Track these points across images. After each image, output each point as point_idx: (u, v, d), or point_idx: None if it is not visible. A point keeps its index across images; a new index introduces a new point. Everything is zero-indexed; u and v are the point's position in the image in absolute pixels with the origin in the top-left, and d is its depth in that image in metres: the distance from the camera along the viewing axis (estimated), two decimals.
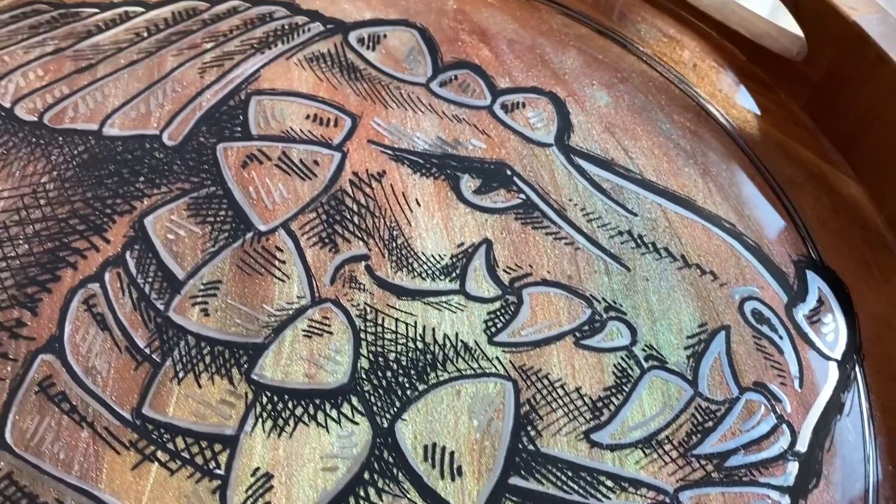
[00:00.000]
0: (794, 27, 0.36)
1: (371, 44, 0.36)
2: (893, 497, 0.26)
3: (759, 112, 0.36)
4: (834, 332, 0.29)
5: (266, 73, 0.35)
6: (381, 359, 0.27)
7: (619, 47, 0.38)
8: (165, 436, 0.25)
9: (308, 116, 0.33)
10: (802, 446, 0.27)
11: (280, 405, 0.26)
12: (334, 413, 0.26)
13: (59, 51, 0.35)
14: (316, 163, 0.32)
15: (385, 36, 0.37)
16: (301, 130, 0.33)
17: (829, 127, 0.35)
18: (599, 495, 0.25)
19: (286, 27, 0.36)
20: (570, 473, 0.25)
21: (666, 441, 0.26)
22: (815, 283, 0.31)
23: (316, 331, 0.27)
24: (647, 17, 0.40)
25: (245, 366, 0.27)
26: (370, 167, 0.32)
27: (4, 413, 0.25)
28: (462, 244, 0.30)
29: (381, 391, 0.26)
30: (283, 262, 0.29)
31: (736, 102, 0.36)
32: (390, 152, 0.32)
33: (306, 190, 0.31)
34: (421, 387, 0.27)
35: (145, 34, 0.36)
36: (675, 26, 0.39)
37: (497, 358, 0.27)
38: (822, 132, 0.35)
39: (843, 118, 0.34)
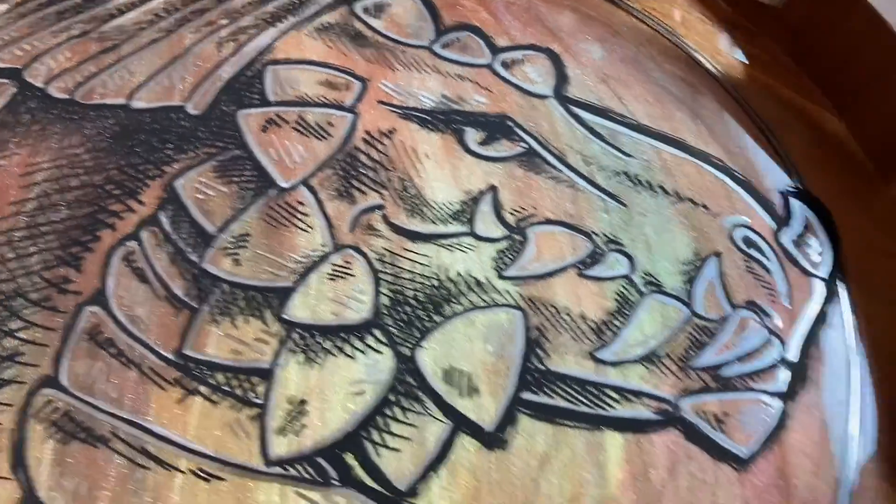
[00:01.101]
0: None
1: (376, 12, 0.38)
2: (871, 397, 0.28)
3: (744, 58, 0.38)
4: (820, 254, 0.32)
5: (279, 45, 0.37)
6: (400, 296, 0.29)
7: (609, 4, 0.40)
8: (207, 372, 0.27)
9: (320, 82, 0.35)
10: (792, 356, 0.29)
11: (310, 340, 0.28)
12: (360, 345, 0.28)
13: (84, 34, 0.37)
14: (330, 124, 0.34)
15: (389, 4, 0.39)
16: (315, 95, 0.35)
17: (811, 67, 0.37)
18: (605, 405, 0.27)
19: (296, 1, 0.39)
20: (577, 388, 0.28)
21: (665, 357, 0.29)
22: (802, 211, 0.33)
23: (339, 274, 0.30)
24: None
25: (276, 307, 0.29)
26: (381, 126, 0.34)
27: (58, 359, 0.27)
28: (470, 191, 0.32)
29: (402, 324, 0.29)
30: (306, 215, 0.31)
31: (722, 50, 0.38)
32: (399, 111, 0.34)
33: (323, 149, 0.33)
34: (438, 319, 0.29)
35: (164, 14, 0.38)
36: None
37: (507, 291, 0.30)
38: (805, 73, 0.37)
39: (822, 58, 0.36)
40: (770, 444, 0.27)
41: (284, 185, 0.32)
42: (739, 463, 0.27)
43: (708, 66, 0.37)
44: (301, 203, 0.31)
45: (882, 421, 0.28)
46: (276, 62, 0.36)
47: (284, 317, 0.29)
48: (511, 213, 0.32)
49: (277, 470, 0.26)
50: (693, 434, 0.27)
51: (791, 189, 0.33)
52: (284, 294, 0.29)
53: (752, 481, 0.27)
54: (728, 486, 0.27)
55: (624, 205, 0.32)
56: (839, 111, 0.36)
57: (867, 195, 0.33)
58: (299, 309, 0.29)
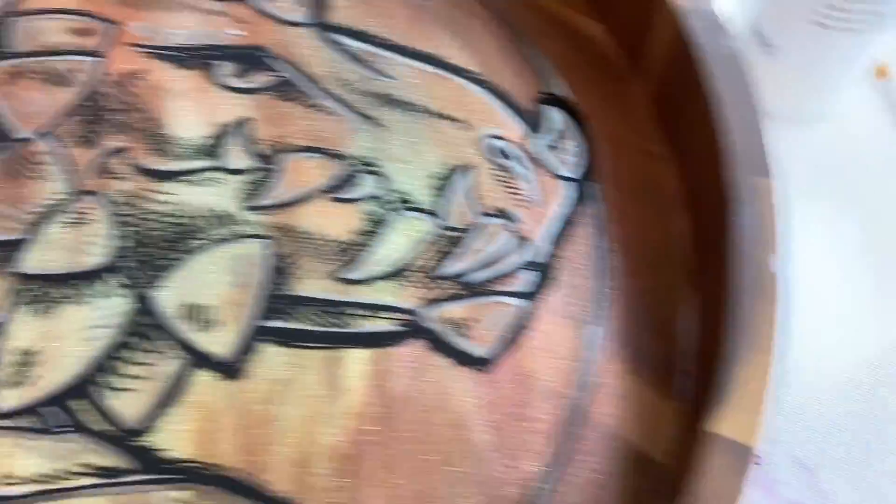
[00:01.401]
0: None
1: None
2: (618, 291, 0.29)
3: None
4: (573, 156, 0.32)
5: None
6: (142, 237, 0.28)
7: None
8: None
9: (68, 30, 0.34)
10: (540, 258, 0.29)
11: (43, 290, 0.27)
12: (97, 289, 0.27)
13: None
14: (75, 70, 0.32)
15: None
16: (61, 43, 0.33)
17: None
18: (348, 323, 0.27)
19: None
20: (320, 309, 0.27)
21: (413, 270, 0.28)
22: (556, 116, 0.33)
23: (77, 221, 0.29)
24: None
25: (9, 260, 0.28)
26: (129, 67, 0.33)
27: None
28: (221, 125, 0.31)
29: (143, 265, 0.28)
30: (46, 164, 0.30)
31: None
32: (149, 51, 0.33)
33: (67, 96, 0.32)
34: (182, 256, 0.28)
35: None
36: None
37: (256, 222, 0.29)
38: None
39: None
40: (513, 343, 0.27)
41: (24, 135, 0.31)
42: (482, 364, 0.27)
43: None
44: (41, 153, 0.30)
45: (624, 313, 0.29)
46: (22, 13, 0.34)
47: (16, 269, 0.28)
48: (264, 144, 0.31)
49: (6, 423, 0.25)
50: (436, 342, 0.27)
51: (545, 95, 0.33)
52: (18, 246, 0.28)
53: (495, 381, 0.27)
54: (471, 387, 0.26)
55: (380, 126, 0.32)
56: (598, 15, 0.35)
57: (621, 95, 0.33)
58: (33, 260, 0.28)
